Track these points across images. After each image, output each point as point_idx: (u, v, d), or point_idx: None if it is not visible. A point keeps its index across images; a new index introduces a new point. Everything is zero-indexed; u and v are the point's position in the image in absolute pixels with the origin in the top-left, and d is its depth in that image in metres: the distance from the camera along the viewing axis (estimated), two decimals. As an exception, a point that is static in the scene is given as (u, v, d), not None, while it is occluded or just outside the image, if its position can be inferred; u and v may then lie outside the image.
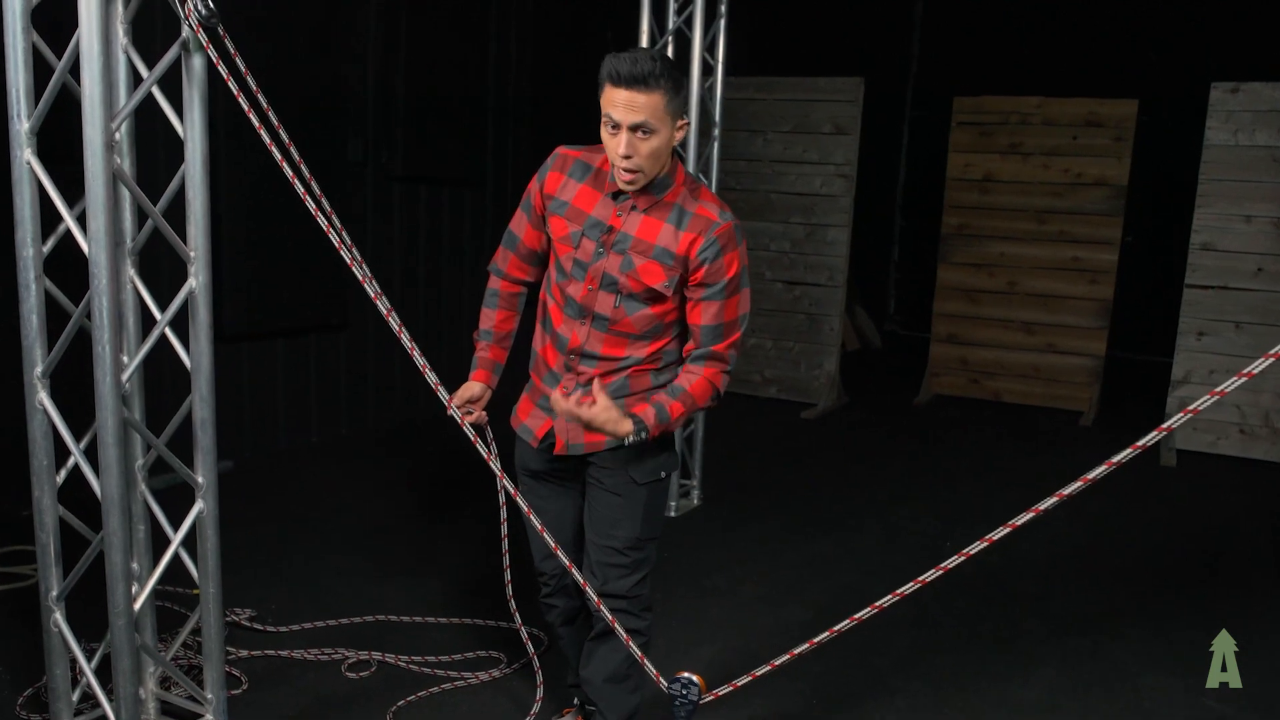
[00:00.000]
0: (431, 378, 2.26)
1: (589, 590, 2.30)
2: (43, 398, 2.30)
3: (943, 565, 1.96)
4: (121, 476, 2.22)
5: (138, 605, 2.38)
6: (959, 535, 4.41)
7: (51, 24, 2.23)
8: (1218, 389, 1.71)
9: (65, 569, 2.40)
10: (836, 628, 2.09)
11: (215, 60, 2.16)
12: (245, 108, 2.19)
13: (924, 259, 8.49)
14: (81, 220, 2.14)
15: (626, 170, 2.12)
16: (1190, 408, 1.77)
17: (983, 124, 6.95)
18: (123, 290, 2.33)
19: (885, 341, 9.51)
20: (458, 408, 2.37)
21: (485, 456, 2.32)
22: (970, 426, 6.61)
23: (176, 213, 2.26)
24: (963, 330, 7.17)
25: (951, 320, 7.19)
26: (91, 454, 2.25)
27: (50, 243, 2.29)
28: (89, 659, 2.42)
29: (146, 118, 2.36)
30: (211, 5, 2.10)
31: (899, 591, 2.02)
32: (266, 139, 2.20)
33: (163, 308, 2.31)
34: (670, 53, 4.32)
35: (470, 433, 2.31)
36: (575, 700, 2.78)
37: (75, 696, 2.50)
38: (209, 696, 2.53)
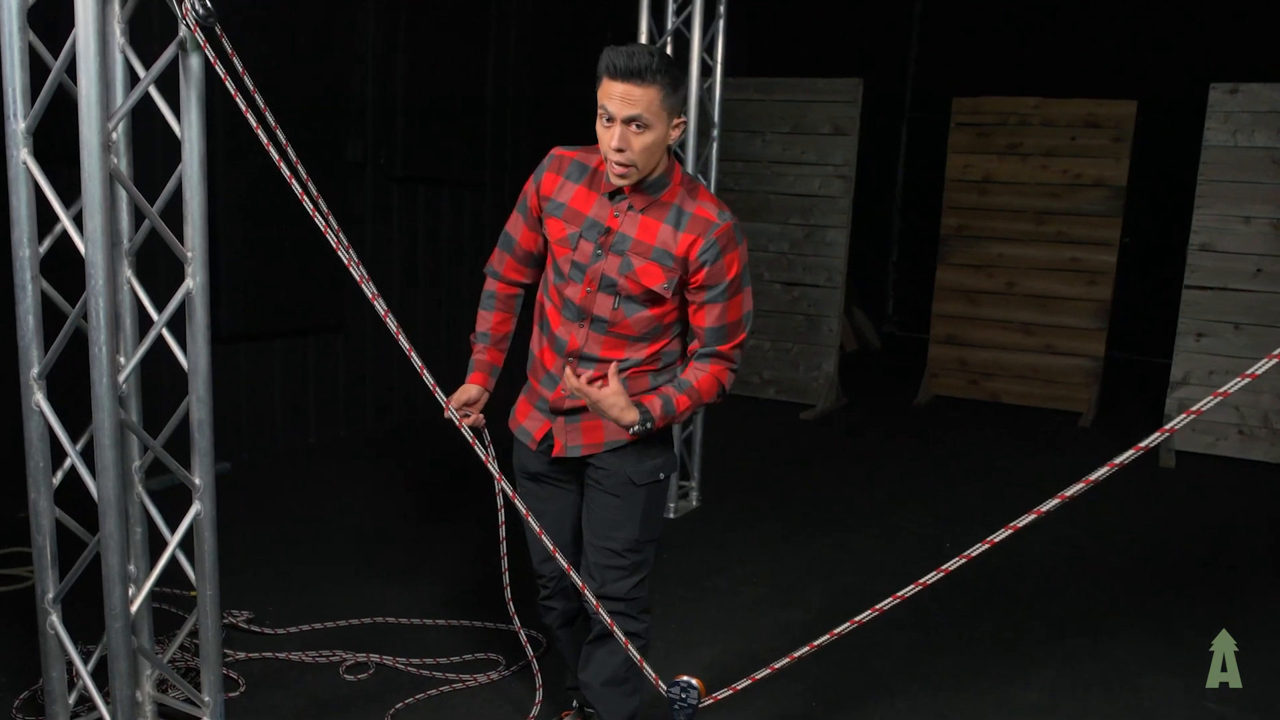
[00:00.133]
0: (429, 379, 2.24)
1: (587, 592, 2.29)
2: (39, 399, 2.29)
3: (944, 567, 1.94)
4: (118, 478, 2.21)
5: (134, 607, 2.37)
6: (958, 536, 4.41)
7: (48, 23, 2.23)
8: (1220, 390, 1.70)
9: (62, 571, 2.38)
10: (836, 631, 2.08)
11: (213, 60, 2.16)
12: (243, 107, 2.18)
13: (923, 260, 8.49)
14: (78, 220, 2.13)
15: (618, 164, 2.11)
16: (1193, 409, 1.76)
17: (981, 125, 6.95)
18: (120, 291, 2.32)
19: (884, 342, 9.52)
20: (455, 410, 2.36)
21: (483, 459, 2.31)
22: (969, 427, 6.61)
23: (174, 213, 2.25)
24: (961, 331, 7.17)
25: (950, 321, 7.19)
26: (88, 455, 2.24)
27: (47, 243, 2.28)
28: (86, 661, 2.41)
29: (144, 118, 2.36)
30: (209, 5, 2.10)
31: (899, 594, 2.01)
32: (263, 139, 2.19)
33: (160, 308, 2.30)
34: (669, 53, 4.31)
35: (468, 435, 2.30)
36: (574, 703, 2.77)
37: (72, 699, 2.49)
38: (206, 699, 2.52)
